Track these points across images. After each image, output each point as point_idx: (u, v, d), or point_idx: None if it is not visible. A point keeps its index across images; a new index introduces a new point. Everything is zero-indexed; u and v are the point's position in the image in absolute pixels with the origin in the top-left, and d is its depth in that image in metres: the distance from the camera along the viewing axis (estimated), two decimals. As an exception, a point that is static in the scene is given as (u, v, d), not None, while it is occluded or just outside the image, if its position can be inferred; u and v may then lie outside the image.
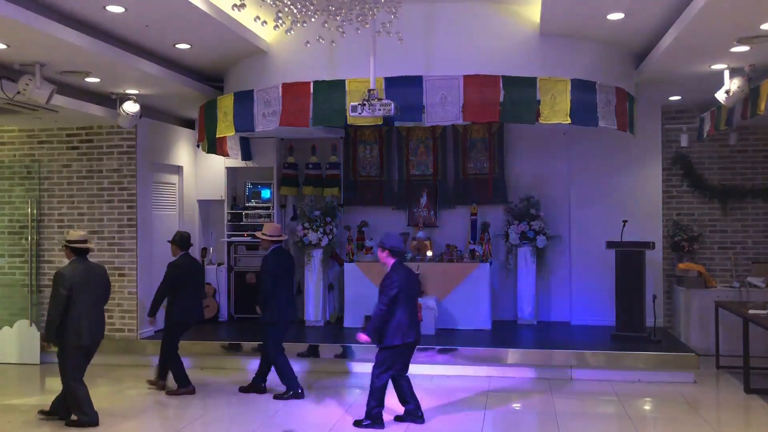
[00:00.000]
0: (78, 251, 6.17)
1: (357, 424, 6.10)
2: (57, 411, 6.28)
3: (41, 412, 6.38)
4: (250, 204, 10.20)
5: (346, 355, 8.17)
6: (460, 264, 9.32)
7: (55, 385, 8.09)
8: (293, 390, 7.01)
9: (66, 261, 6.27)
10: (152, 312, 7.22)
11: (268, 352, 7.10)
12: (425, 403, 6.44)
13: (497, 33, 7.12)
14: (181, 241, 7.36)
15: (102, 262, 8.79)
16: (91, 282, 6.12)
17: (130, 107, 8.02)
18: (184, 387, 7.20)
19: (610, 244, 8.70)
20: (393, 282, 5.95)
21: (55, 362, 8.62)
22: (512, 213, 9.67)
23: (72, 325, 5.97)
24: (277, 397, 7.04)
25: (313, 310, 9.60)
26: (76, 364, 6.10)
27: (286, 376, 7.04)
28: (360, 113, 6.37)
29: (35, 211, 8.96)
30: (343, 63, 7.08)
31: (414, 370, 8.14)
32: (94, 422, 6.08)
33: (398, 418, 6.26)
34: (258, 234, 7.32)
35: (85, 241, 6.22)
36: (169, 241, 7.48)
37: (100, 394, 7.42)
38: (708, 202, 9.66)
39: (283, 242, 7.35)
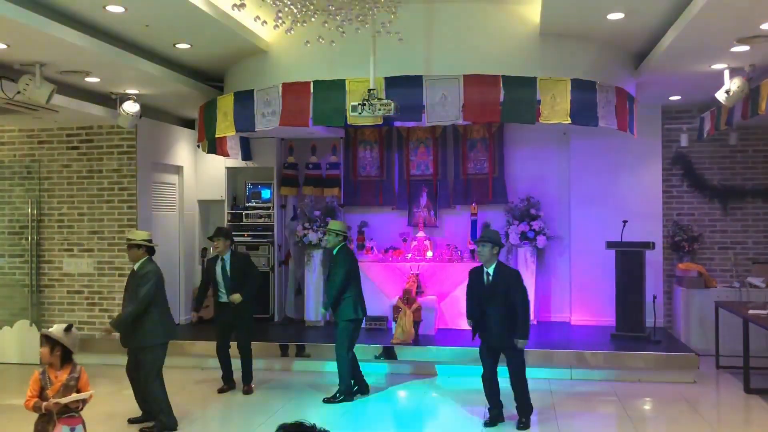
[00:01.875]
0: (151, 250, 6.19)
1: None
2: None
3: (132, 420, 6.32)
4: (250, 204, 10.20)
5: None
6: (460, 264, 9.30)
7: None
8: (345, 391, 6.87)
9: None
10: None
11: (337, 348, 6.92)
12: (427, 403, 6.43)
13: (497, 33, 7.12)
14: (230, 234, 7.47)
15: (102, 262, 8.86)
16: (162, 280, 6.18)
17: (130, 107, 8.02)
18: (247, 384, 7.29)
19: (610, 244, 8.70)
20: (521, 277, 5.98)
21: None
22: (512, 213, 9.67)
23: (158, 323, 5.99)
24: (327, 400, 6.88)
25: (313, 310, 9.61)
26: (162, 363, 6.07)
27: (344, 376, 6.88)
28: (360, 113, 6.37)
29: (35, 211, 8.96)
30: (343, 63, 7.07)
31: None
32: (173, 427, 6.05)
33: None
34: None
35: (151, 240, 6.28)
36: (212, 237, 7.44)
37: (100, 394, 7.42)
38: (708, 202, 9.66)
39: (347, 240, 7.22)
